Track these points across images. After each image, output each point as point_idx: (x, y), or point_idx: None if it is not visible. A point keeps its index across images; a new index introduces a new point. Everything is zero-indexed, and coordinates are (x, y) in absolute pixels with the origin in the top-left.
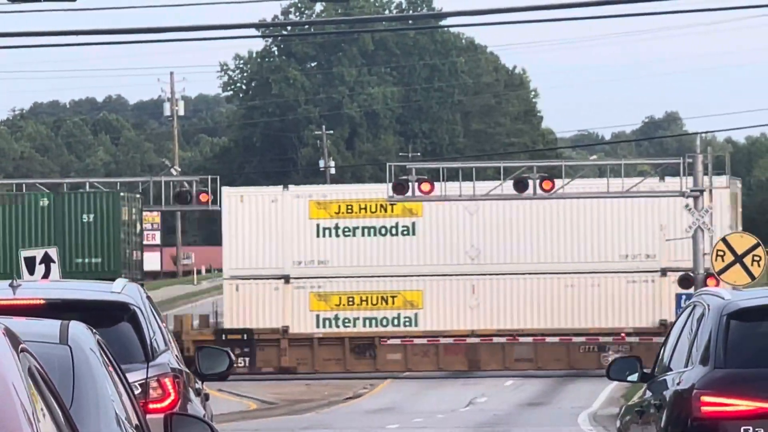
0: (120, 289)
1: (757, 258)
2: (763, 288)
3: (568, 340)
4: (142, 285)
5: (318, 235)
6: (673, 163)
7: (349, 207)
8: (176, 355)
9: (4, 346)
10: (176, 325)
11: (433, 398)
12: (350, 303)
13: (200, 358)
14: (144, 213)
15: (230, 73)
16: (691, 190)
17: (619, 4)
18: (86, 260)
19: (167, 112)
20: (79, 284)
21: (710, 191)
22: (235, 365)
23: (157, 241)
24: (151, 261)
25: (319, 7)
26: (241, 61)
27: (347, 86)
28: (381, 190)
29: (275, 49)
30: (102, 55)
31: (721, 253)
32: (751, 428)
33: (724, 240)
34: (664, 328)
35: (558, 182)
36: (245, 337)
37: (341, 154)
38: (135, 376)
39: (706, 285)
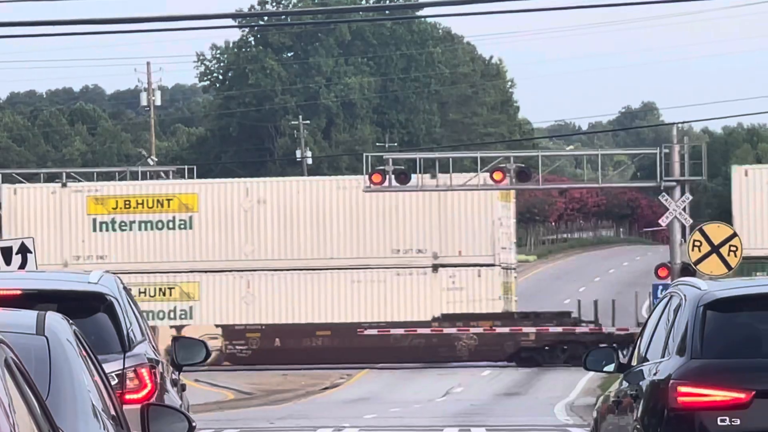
0: (97, 280)
1: (733, 248)
2: (739, 278)
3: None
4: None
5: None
6: (649, 153)
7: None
8: (153, 346)
9: None
10: None
11: (410, 388)
12: None
13: (177, 349)
14: None
15: (207, 63)
16: (667, 181)
17: None
18: None
19: (144, 102)
20: (55, 275)
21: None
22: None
23: None
24: None
25: None
26: (218, 51)
27: (324, 76)
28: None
29: (252, 39)
30: (79, 45)
31: (697, 243)
32: (727, 418)
33: (700, 230)
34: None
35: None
36: None
37: (318, 144)
38: (112, 367)
39: (682, 275)
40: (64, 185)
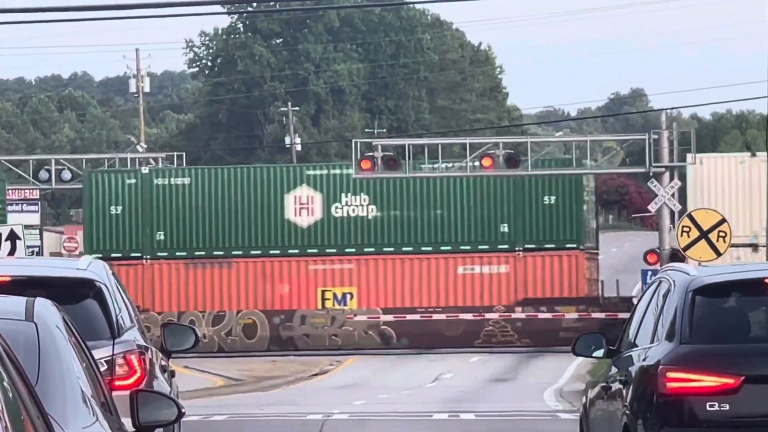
0: (86, 266)
1: (722, 234)
2: (728, 264)
3: None
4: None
5: None
6: (638, 139)
7: None
8: (142, 332)
9: None
10: None
11: (399, 375)
12: None
13: (166, 335)
14: None
15: (196, 49)
16: (656, 166)
17: None
18: None
19: (133, 88)
20: (44, 261)
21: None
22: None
23: None
24: None
25: None
26: (207, 38)
27: (313, 63)
28: None
29: (241, 25)
30: (67, 31)
31: (686, 229)
32: (716, 404)
33: (689, 216)
34: None
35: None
36: None
37: (307, 131)
38: (101, 353)
39: (671, 261)
40: (753, 155)
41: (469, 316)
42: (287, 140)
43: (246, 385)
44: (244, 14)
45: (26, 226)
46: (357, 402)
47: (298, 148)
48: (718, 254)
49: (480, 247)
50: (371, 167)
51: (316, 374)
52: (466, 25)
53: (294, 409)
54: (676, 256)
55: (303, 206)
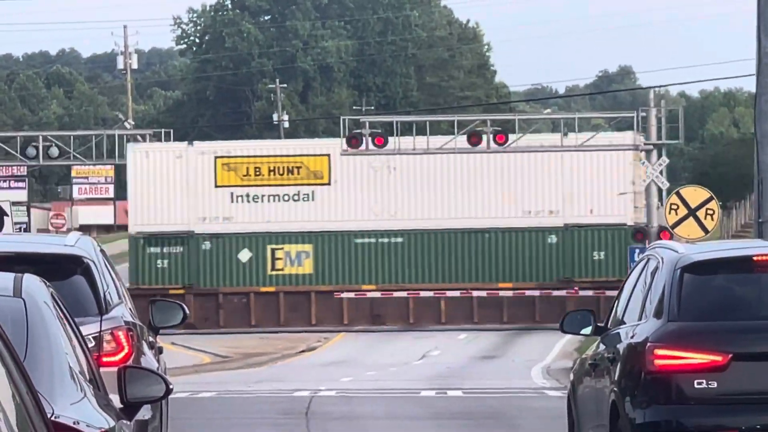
0: (73, 243)
1: (710, 211)
2: (716, 241)
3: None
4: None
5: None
6: (626, 116)
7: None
8: (130, 309)
9: None
10: None
11: (387, 352)
12: None
13: (153, 311)
14: (98, 166)
15: (184, 26)
16: (645, 144)
17: None
18: None
19: (120, 65)
20: (32, 237)
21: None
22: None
23: (111, 194)
24: (105, 215)
25: None
26: (195, 15)
27: (301, 40)
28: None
29: (229, 2)
30: (55, 8)
31: (674, 206)
32: (704, 381)
33: (677, 193)
34: None
35: (512, 136)
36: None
37: (295, 108)
38: (89, 329)
39: (659, 239)
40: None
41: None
42: (275, 117)
43: (234, 362)
44: None
45: (13, 203)
46: (344, 379)
47: (286, 125)
48: (706, 232)
49: None
50: (359, 144)
51: (303, 351)
52: (454, 2)
53: (281, 386)
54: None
55: None
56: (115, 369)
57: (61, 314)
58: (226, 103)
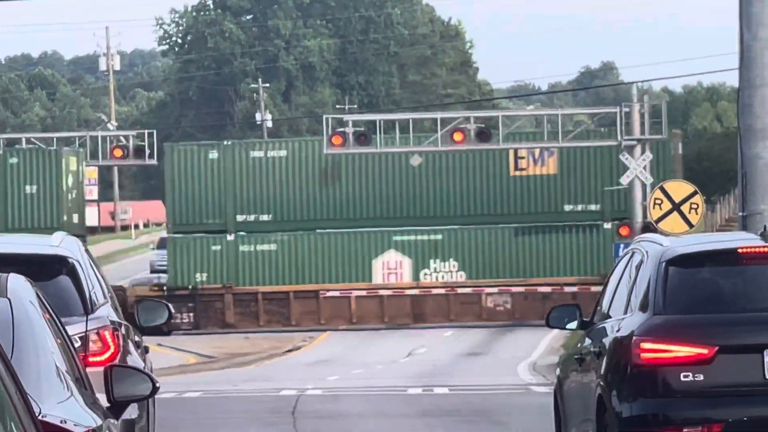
0: (58, 243)
1: (694, 206)
2: (701, 234)
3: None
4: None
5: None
6: (609, 112)
7: None
8: (115, 308)
9: None
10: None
11: (373, 350)
12: None
13: (139, 311)
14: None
15: (166, 27)
16: (628, 139)
17: None
18: None
19: (103, 66)
20: (17, 238)
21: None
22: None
23: (95, 196)
24: (89, 216)
25: None
26: (177, 15)
27: (283, 39)
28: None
29: (210, 2)
30: (37, 10)
31: (658, 201)
32: (690, 374)
33: (661, 188)
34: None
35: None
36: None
37: (278, 107)
38: (74, 329)
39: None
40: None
41: None
42: (258, 117)
43: (220, 362)
44: None
45: None
46: (331, 377)
47: (269, 125)
48: (690, 226)
49: None
50: (342, 143)
51: (289, 350)
52: None
53: (268, 385)
54: (648, 228)
55: None
56: (102, 368)
57: (47, 314)
58: (209, 103)
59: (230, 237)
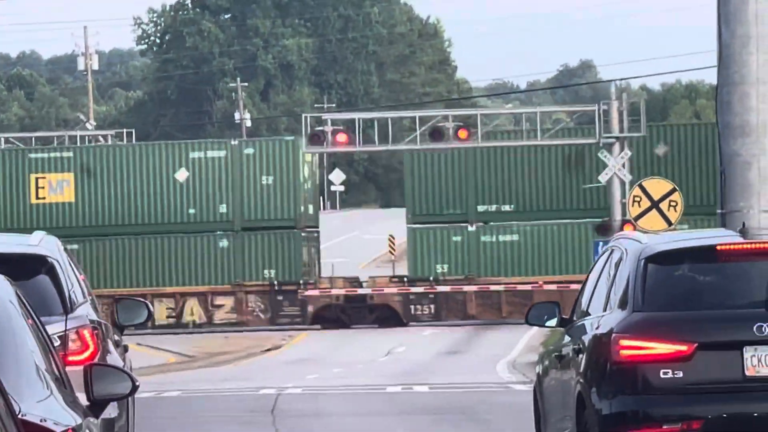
0: (37, 242)
1: (673, 203)
2: (680, 232)
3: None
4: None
5: None
6: (588, 110)
7: None
8: (95, 308)
9: None
10: None
11: (352, 349)
12: None
13: (118, 310)
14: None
15: (144, 26)
16: (606, 137)
17: None
18: None
19: (81, 66)
20: None
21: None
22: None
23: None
24: None
25: None
26: (155, 15)
27: (261, 38)
28: None
29: (189, 1)
30: (15, 10)
31: (637, 198)
32: (670, 371)
33: (640, 186)
34: None
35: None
36: None
37: (256, 107)
38: (54, 329)
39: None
40: None
41: None
42: (237, 116)
43: (199, 361)
44: None
45: None
46: (310, 376)
47: (248, 123)
48: (669, 223)
49: None
50: (322, 142)
51: (268, 349)
52: None
53: (247, 384)
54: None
55: None
56: (81, 368)
57: (27, 313)
58: (188, 102)
59: (471, 228)
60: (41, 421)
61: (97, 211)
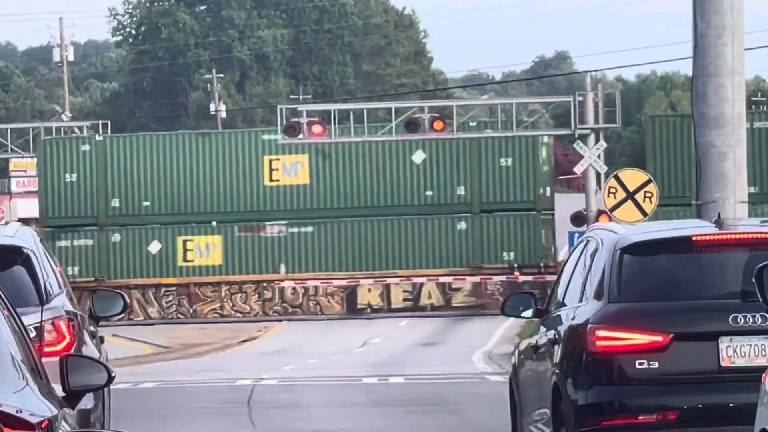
0: (13, 233)
1: (649, 194)
2: (655, 222)
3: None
4: None
5: None
6: (563, 101)
7: None
8: (71, 298)
9: None
10: None
11: (328, 340)
12: None
13: (94, 301)
14: (27, 159)
15: (119, 17)
16: (582, 128)
17: None
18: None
19: (57, 57)
20: None
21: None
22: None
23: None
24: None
25: None
26: (130, 6)
27: (237, 29)
28: None
29: None
30: None
31: (612, 190)
32: (645, 362)
33: (616, 177)
34: None
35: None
36: None
37: (232, 98)
38: (30, 320)
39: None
40: None
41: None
42: (212, 107)
43: (175, 353)
44: None
45: None
46: (286, 367)
47: (223, 115)
48: (645, 215)
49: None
50: (297, 133)
51: (244, 341)
52: None
53: (223, 375)
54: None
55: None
56: (57, 358)
57: (2, 304)
58: (163, 94)
59: None
60: (17, 411)
61: (331, 193)
